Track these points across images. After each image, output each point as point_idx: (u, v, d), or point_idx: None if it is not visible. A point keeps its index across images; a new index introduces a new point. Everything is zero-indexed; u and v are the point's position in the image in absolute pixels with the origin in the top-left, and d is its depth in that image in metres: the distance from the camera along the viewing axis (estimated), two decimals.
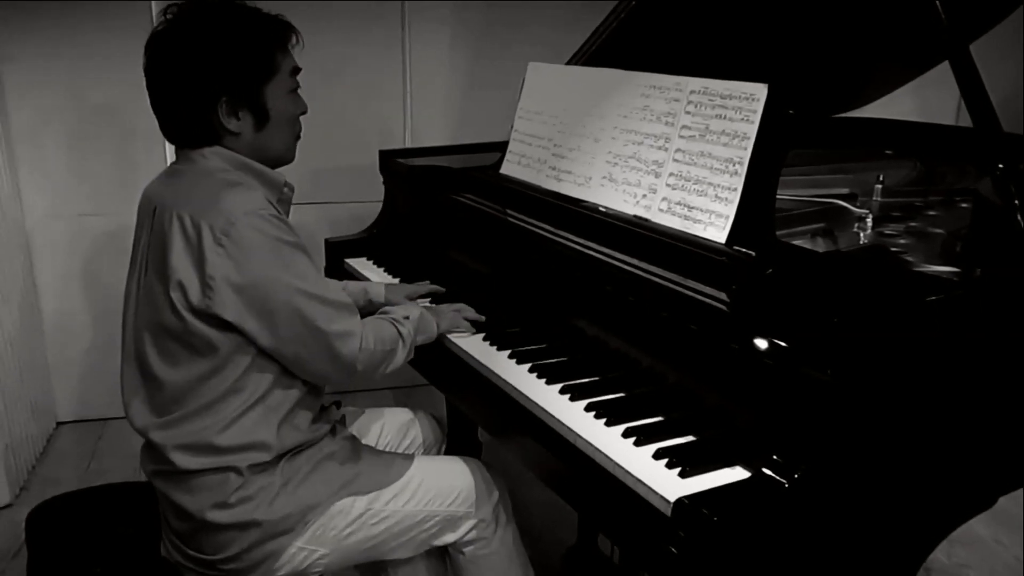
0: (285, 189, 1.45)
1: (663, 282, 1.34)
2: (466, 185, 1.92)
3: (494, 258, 1.81)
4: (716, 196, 1.38)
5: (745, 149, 1.35)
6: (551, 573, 2.06)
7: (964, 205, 1.83)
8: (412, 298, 1.78)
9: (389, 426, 1.75)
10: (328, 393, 1.53)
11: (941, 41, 1.47)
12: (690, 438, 1.21)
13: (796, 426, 1.09)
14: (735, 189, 1.35)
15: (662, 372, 1.34)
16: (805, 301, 1.18)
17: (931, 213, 1.79)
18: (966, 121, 1.48)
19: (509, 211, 1.75)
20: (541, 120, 1.83)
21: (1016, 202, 1.37)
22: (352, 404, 1.75)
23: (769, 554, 1.05)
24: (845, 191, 1.83)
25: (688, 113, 1.47)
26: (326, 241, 2.22)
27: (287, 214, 1.44)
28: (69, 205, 2.83)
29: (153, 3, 2.68)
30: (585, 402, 1.32)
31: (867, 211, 1.69)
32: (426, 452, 1.76)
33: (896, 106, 2.20)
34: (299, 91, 1.45)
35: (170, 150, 2.70)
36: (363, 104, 3.00)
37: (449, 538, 1.54)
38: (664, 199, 1.47)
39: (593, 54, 1.93)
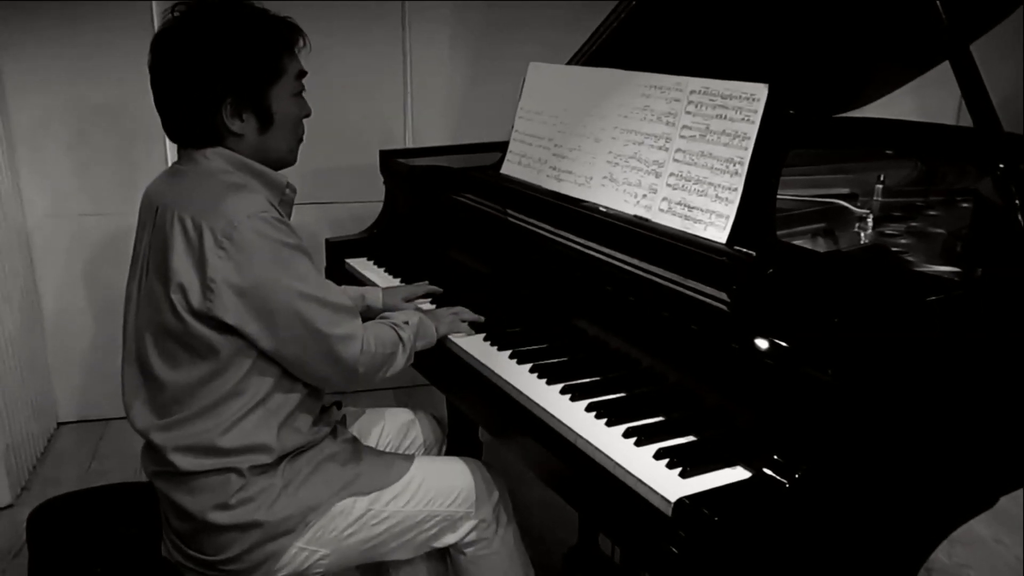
0: (287, 191, 1.44)
1: (664, 282, 1.34)
2: (466, 185, 1.91)
3: (495, 258, 1.81)
4: (716, 196, 1.38)
5: (746, 149, 1.35)
6: (552, 573, 2.06)
7: (965, 205, 1.83)
8: (409, 300, 1.78)
9: (390, 426, 1.75)
10: (329, 394, 1.53)
11: (941, 41, 1.47)
12: (691, 438, 1.21)
13: (797, 426, 1.09)
14: (735, 189, 1.35)
15: (663, 372, 1.34)
16: (806, 301, 1.18)
17: (932, 213, 1.78)
18: (966, 121, 1.48)
19: (510, 211, 1.75)
20: (541, 120, 1.83)
21: (1017, 202, 1.37)
22: (353, 404, 1.75)
23: (770, 554, 1.05)
24: (846, 191, 1.83)
25: (688, 113, 1.47)
26: (327, 241, 2.22)
27: (289, 215, 1.44)
28: (70, 205, 2.83)
29: (154, 3, 2.68)
30: (586, 402, 1.32)
31: (868, 211, 1.69)
32: (427, 452, 1.76)
33: (896, 106, 2.20)
34: (303, 94, 1.45)
35: (171, 150, 2.73)
36: (363, 104, 3.00)
37: (450, 539, 1.54)
38: (664, 199, 1.47)
39: (593, 54, 1.93)
